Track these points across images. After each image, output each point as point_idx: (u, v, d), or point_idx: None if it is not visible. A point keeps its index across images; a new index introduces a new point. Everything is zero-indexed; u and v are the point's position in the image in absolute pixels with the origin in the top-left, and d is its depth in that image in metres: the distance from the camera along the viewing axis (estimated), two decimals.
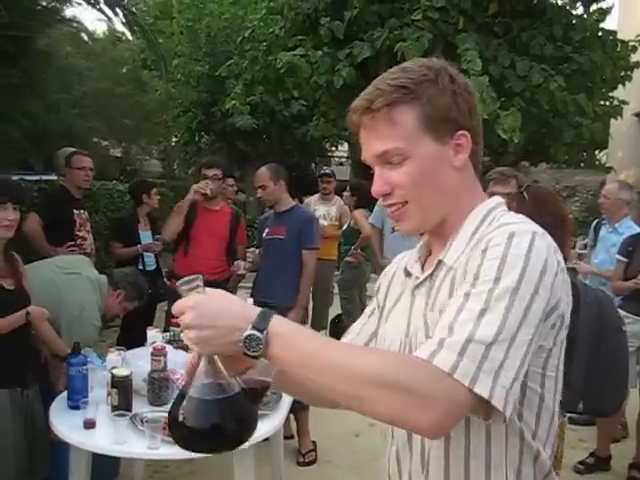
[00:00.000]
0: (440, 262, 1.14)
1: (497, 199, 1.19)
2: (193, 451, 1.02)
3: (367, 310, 1.40)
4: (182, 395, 1.01)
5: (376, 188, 1.14)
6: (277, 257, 4.21)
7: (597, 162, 16.08)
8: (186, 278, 1.02)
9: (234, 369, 1.06)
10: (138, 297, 3.71)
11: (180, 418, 0.99)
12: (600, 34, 9.57)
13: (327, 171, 6.86)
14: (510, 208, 1.20)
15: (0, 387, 2.75)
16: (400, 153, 1.10)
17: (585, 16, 9.71)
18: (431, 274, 1.16)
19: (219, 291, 1.03)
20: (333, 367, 0.95)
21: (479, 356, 0.92)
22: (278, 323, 0.98)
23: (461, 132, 1.12)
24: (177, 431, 1.00)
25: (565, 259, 2.75)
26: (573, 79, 8.75)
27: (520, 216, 1.12)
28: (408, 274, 1.26)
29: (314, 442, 4.16)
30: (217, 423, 0.98)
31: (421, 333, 1.12)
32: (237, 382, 1.03)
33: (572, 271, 2.90)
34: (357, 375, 0.93)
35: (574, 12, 9.54)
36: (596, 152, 16.88)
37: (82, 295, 3.38)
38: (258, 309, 1.00)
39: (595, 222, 5.09)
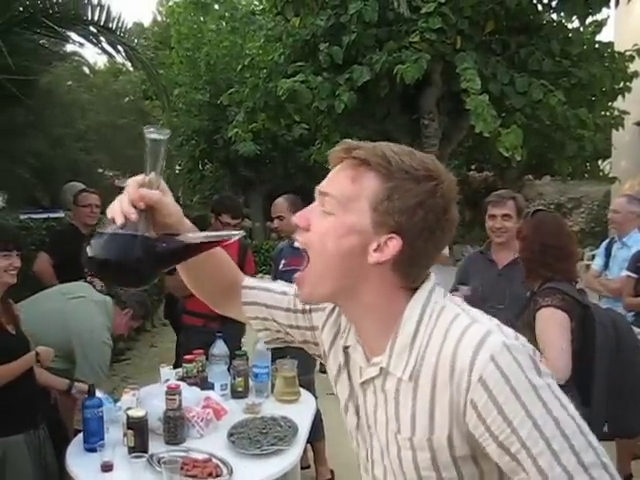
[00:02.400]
0: (382, 369, 1.11)
1: (427, 287, 1.11)
2: (101, 280, 1.13)
3: (287, 290, 1.36)
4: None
5: (299, 215, 1.12)
6: None
7: (601, 172, 16.09)
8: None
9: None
10: (144, 315, 3.77)
11: (88, 248, 1.07)
12: (597, 46, 9.62)
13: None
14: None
15: (16, 432, 2.75)
16: (333, 205, 1.07)
17: (581, 29, 9.77)
18: (372, 378, 1.13)
19: None
20: None
21: None
22: None
23: (395, 237, 1.05)
24: (86, 259, 1.07)
25: (575, 281, 2.74)
26: (573, 93, 8.78)
27: (462, 312, 1.07)
28: (346, 351, 1.23)
29: (332, 471, 4.13)
30: (112, 257, 1.05)
31: (398, 461, 1.11)
32: (150, 234, 1.10)
33: (581, 292, 2.89)
34: None
35: (570, 26, 9.59)
36: (599, 162, 16.89)
37: (90, 318, 3.41)
38: None
39: (606, 242, 5.02)
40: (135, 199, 1.08)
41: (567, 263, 2.81)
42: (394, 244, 1.05)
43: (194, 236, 1.15)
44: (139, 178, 1.12)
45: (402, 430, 1.08)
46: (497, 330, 1.01)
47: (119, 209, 1.07)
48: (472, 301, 3.37)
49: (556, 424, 0.94)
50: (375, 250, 1.06)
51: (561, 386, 2.52)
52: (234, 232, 1.14)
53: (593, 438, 0.96)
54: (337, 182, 1.08)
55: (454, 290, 3.51)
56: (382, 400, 1.13)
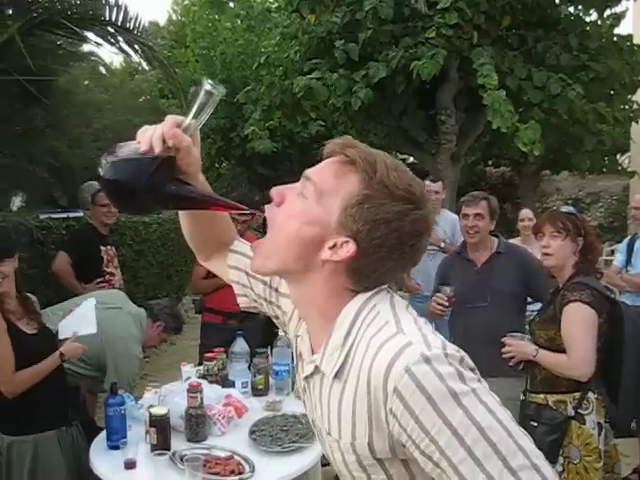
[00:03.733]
0: (317, 367, 1.12)
1: (372, 292, 1.11)
2: (111, 201, 1.19)
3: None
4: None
5: (276, 189, 1.13)
6: None
7: (619, 167, 15.92)
8: None
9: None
10: (176, 328, 3.78)
11: (100, 167, 1.09)
12: (616, 40, 9.51)
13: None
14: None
15: (48, 429, 2.79)
16: (311, 192, 1.08)
17: (599, 22, 9.68)
18: (311, 374, 1.15)
19: None
20: None
21: None
22: None
23: (351, 242, 1.05)
24: (99, 178, 1.10)
25: (597, 277, 2.75)
26: (591, 87, 8.68)
27: (393, 320, 1.05)
28: (297, 341, 1.26)
29: None
30: (123, 178, 1.08)
31: (332, 459, 1.14)
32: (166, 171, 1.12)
33: (607, 288, 2.91)
34: None
35: (588, 19, 9.50)
36: (618, 156, 16.74)
37: (125, 330, 3.43)
38: None
39: (628, 238, 4.98)
40: (169, 135, 1.10)
41: (592, 258, 2.82)
42: (348, 248, 1.05)
43: (204, 192, 1.19)
44: (179, 118, 1.14)
45: (332, 431, 1.10)
46: (420, 341, 0.98)
47: (149, 137, 1.09)
48: (455, 301, 3.38)
49: (479, 430, 0.92)
50: (330, 248, 1.07)
51: (586, 383, 2.51)
52: (244, 207, 1.16)
53: (524, 440, 0.94)
54: (322, 172, 1.09)
55: (437, 291, 3.51)
56: (318, 398, 1.14)
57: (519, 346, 2.98)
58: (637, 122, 10.26)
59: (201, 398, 2.76)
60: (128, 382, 3.38)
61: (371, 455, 1.04)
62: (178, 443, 2.68)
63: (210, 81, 1.09)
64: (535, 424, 2.73)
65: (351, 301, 1.09)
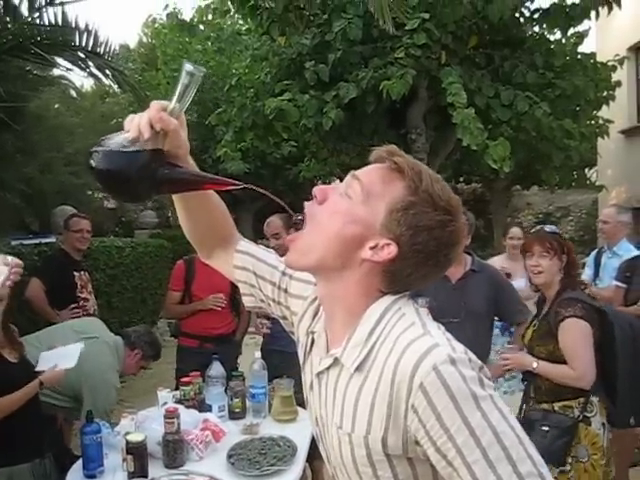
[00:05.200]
0: (337, 360, 1.15)
1: (398, 295, 1.16)
2: (107, 191, 1.17)
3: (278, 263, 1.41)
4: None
5: (319, 188, 1.17)
6: None
7: (588, 181, 16.19)
8: None
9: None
10: (154, 356, 3.74)
11: (92, 159, 1.10)
12: (580, 57, 9.72)
13: (299, 218, 6.89)
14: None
15: (22, 462, 2.75)
16: (357, 192, 1.12)
17: (564, 41, 9.88)
18: (327, 368, 1.18)
19: None
20: None
21: None
22: None
23: (393, 244, 1.10)
24: (92, 170, 1.10)
25: (582, 289, 2.94)
26: (558, 104, 8.85)
27: (419, 322, 1.10)
28: (311, 337, 1.28)
29: None
30: (115, 167, 1.09)
31: (339, 454, 1.15)
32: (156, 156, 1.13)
33: (593, 299, 3.11)
34: None
35: (552, 38, 9.69)
36: (586, 170, 17.01)
37: (102, 360, 3.39)
38: None
39: (595, 252, 5.09)
40: (155, 119, 1.11)
41: (574, 273, 3.00)
42: (389, 250, 1.10)
43: (196, 172, 1.22)
44: (164, 103, 1.15)
45: (344, 425, 1.12)
46: (446, 344, 1.04)
47: (137, 124, 1.11)
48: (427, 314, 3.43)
49: (494, 434, 0.97)
50: (371, 248, 1.11)
51: (587, 391, 2.67)
52: (237, 182, 1.19)
53: (533, 449, 0.99)
54: (370, 175, 1.14)
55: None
56: (332, 392, 1.16)
57: (517, 358, 3.14)
58: (603, 137, 10.45)
59: (178, 423, 2.76)
60: (105, 412, 3.34)
61: (382, 450, 1.07)
62: (156, 470, 2.67)
63: (190, 63, 1.12)
64: (547, 428, 2.89)
65: (378, 300, 1.14)
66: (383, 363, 1.07)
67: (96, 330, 3.64)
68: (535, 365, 3.00)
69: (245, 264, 1.42)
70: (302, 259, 1.17)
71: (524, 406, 3.16)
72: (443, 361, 1.00)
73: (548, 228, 3.20)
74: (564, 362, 2.90)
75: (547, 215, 17.69)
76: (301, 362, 1.31)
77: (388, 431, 1.05)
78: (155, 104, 1.14)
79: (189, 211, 1.38)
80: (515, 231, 5.28)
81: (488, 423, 0.97)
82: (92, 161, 1.09)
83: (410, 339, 1.05)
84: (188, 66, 1.12)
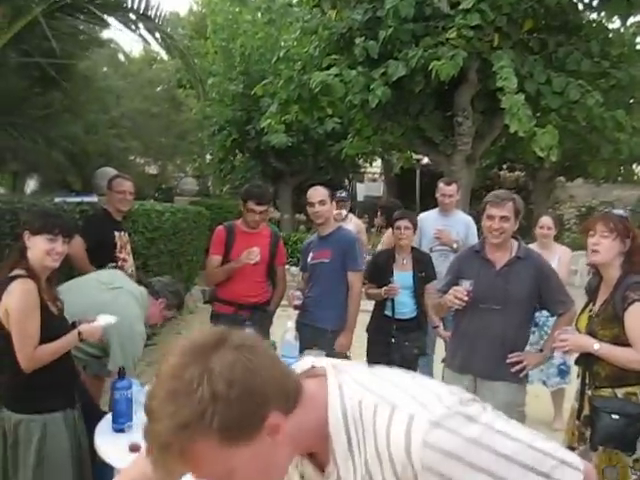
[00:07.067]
0: (339, 476, 1.10)
1: (334, 385, 1.09)
2: None
3: None
4: None
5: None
6: (323, 281, 4.22)
7: (635, 176, 15.85)
8: None
9: None
10: (178, 305, 3.76)
11: None
12: (638, 48, 9.46)
13: (342, 195, 6.85)
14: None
15: (55, 410, 2.79)
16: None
17: (622, 30, 9.61)
18: None
19: None
20: None
21: None
22: None
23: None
24: None
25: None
26: (611, 94, 8.64)
27: (378, 399, 1.06)
28: (300, 467, 1.20)
29: None
30: None
31: None
32: None
33: None
34: None
35: (611, 26, 9.44)
36: (634, 166, 16.63)
37: (128, 310, 3.40)
38: None
39: None
40: None
41: (636, 260, 2.98)
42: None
43: None
44: None
45: None
46: (418, 409, 1.02)
47: None
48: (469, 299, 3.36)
49: (506, 459, 0.98)
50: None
51: None
52: None
53: (544, 443, 1.02)
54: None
55: (454, 284, 3.43)
56: None
57: (577, 339, 3.05)
58: None
59: None
60: (133, 361, 3.37)
61: None
62: None
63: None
64: (617, 417, 2.83)
65: (329, 409, 1.07)
66: (378, 460, 1.04)
67: (119, 280, 3.66)
68: (597, 347, 2.91)
69: None
70: None
71: (584, 392, 3.07)
72: (427, 431, 0.98)
73: (616, 211, 3.16)
74: (628, 346, 2.85)
75: (590, 209, 17.35)
76: None
77: None
78: None
79: None
80: (545, 220, 5.20)
81: (496, 454, 0.98)
82: None
83: (386, 426, 1.02)
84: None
